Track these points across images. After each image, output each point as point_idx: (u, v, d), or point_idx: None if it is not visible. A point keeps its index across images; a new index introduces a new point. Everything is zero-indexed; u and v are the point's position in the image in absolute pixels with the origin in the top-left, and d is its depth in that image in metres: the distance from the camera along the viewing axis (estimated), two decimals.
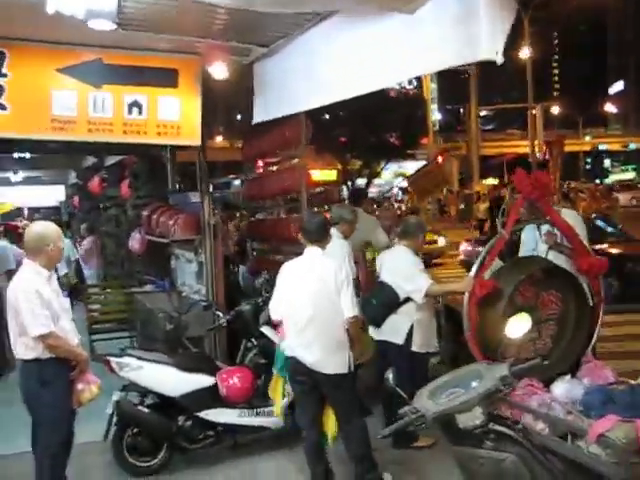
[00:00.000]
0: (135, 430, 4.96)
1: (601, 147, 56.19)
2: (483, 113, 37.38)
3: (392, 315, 5.24)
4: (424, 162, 56.89)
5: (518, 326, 4.79)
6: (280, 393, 5.05)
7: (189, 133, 5.59)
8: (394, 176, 58.12)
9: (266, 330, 5.50)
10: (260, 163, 8.45)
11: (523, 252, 5.51)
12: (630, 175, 58.20)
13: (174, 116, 5.47)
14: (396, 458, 5.03)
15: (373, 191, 41.80)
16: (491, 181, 43.88)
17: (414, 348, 5.24)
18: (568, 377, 4.71)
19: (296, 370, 4.58)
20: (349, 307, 4.43)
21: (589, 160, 52.30)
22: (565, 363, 4.90)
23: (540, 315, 5.09)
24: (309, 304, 4.43)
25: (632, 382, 4.51)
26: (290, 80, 5.26)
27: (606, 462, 4.03)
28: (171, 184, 8.34)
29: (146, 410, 4.92)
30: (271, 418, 5.22)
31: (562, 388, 4.60)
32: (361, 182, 37.65)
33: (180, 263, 7.62)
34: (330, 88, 4.94)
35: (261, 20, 4.53)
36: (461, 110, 38.08)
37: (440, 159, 16.11)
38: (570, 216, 5.38)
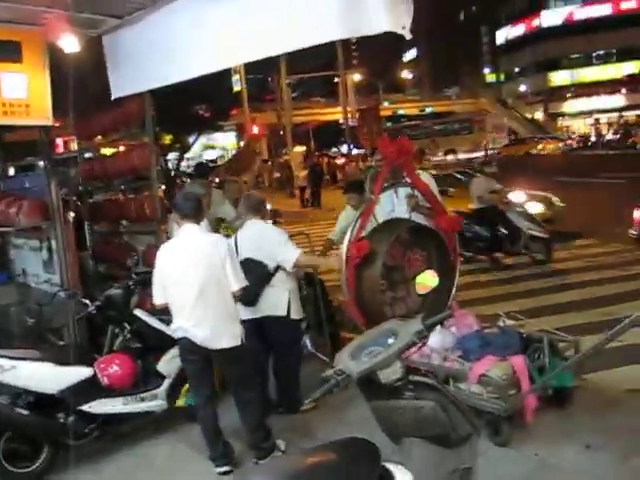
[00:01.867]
0: (10, 435, 4.62)
1: (400, 112, 59.80)
2: (287, 82, 38.11)
3: (267, 289, 5.22)
4: (233, 132, 56.63)
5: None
6: None
7: (39, 112, 5.16)
8: (203, 148, 57.54)
9: (140, 313, 5.34)
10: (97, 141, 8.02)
11: (381, 214, 5.78)
12: None
13: (21, 93, 5.03)
14: (286, 424, 5.15)
15: (184, 165, 41.13)
16: (299, 149, 45.02)
17: (293, 316, 5.33)
18: (438, 328, 5.11)
19: (188, 350, 4.52)
20: (236, 279, 4.45)
21: (390, 124, 55.43)
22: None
23: (408, 274, 5.45)
24: (195, 282, 4.37)
25: (500, 325, 5.02)
26: (149, 53, 5.04)
27: (489, 399, 4.48)
28: (1, 168, 7.67)
29: (25, 412, 4.58)
30: (155, 402, 5.11)
31: (436, 338, 4.99)
32: (173, 156, 36.88)
33: (21, 252, 7.08)
34: (193, 61, 4.81)
35: None
36: (269, 79, 38.50)
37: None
38: (426, 178, 5.76)
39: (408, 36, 3.37)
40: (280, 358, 5.40)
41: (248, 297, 5.15)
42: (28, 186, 7.00)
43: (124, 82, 5.49)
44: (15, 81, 5.00)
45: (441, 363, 4.83)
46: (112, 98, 5.73)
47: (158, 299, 4.56)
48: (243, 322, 5.19)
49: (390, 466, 2.94)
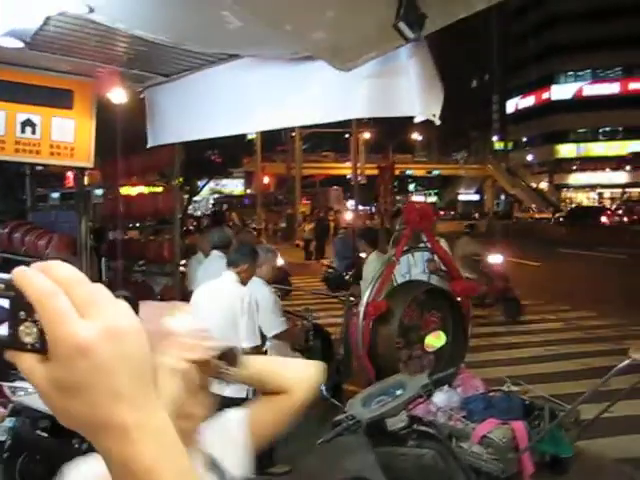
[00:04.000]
0: (27, 455, 4.85)
1: (408, 172, 60.86)
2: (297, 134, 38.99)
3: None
4: (241, 180, 57.10)
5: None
6: None
7: (83, 155, 5.53)
8: (210, 193, 58.17)
9: None
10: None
11: (397, 276, 6.11)
12: (433, 199, 64.14)
13: (68, 137, 5.41)
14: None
15: (190, 208, 41.62)
16: (304, 201, 45.57)
17: None
18: (446, 387, 5.38)
19: None
20: (246, 337, 4.48)
21: (396, 183, 56.26)
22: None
23: (423, 333, 5.75)
24: (211, 324, 4.61)
25: (504, 389, 5.27)
26: (184, 109, 5.34)
27: (488, 459, 4.72)
28: (30, 201, 8.03)
29: (45, 435, 4.83)
30: None
31: (442, 397, 5.24)
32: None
33: None
34: (222, 122, 5.05)
35: (175, 53, 4.70)
36: (282, 132, 39.27)
37: None
38: (444, 244, 6.12)
39: (437, 123, 3.71)
40: None
41: None
42: (53, 220, 7.35)
43: (159, 133, 5.79)
44: (64, 126, 5.37)
45: (446, 422, 5.06)
46: (147, 146, 6.06)
47: None
48: None
49: None
